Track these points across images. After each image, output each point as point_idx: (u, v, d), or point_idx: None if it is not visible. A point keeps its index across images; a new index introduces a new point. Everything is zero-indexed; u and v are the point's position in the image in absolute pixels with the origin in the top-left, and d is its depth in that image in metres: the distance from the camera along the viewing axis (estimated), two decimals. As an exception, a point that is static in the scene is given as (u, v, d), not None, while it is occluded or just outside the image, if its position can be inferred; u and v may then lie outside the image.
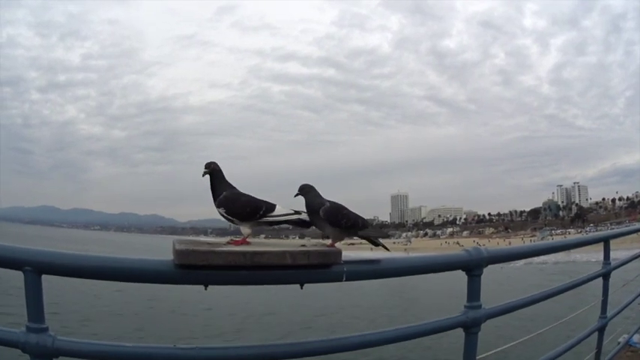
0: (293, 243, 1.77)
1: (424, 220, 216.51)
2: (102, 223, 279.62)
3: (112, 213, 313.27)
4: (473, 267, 2.14)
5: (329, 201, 1.88)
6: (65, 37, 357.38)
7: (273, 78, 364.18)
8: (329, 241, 1.86)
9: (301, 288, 1.72)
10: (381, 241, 2.02)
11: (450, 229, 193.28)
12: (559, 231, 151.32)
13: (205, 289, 1.60)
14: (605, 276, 3.57)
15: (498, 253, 2.38)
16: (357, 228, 1.89)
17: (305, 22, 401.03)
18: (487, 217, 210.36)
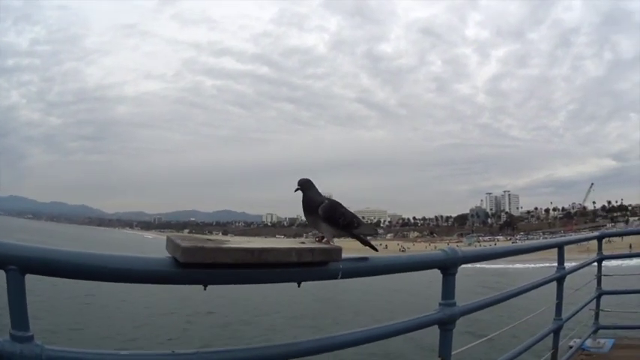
0: (289, 240, 1.79)
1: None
2: (34, 211, 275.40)
3: (44, 202, 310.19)
4: (449, 266, 2.26)
5: (327, 198, 1.90)
6: (18, 21, 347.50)
7: (206, 72, 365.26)
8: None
9: (299, 286, 1.72)
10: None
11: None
12: (487, 237, 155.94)
13: (205, 289, 1.54)
14: (560, 280, 3.80)
15: (472, 254, 2.54)
16: (353, 227, 1.91)
17: (245, 18, 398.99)
18: (412, 220, 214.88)
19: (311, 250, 1.63)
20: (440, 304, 2.28)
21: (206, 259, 1.44)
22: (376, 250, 2.02)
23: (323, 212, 1.84)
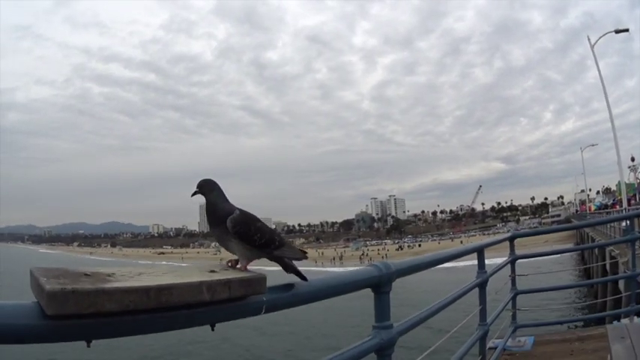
0: (195, 267, 1.33)
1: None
2: None
3: None
4: (384, 282, 1.96)
5: (238, 208, 1.43)
6: None
7: (95, 78, 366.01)
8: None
9: (212, 329, 1.26)
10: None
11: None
12: (374, 242, 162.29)
13: (88, 345, 1.06)
14: (482, 285, 3.72)
15: (404, 266, 2.25)
16: (273, 247, 1.46)
17: (135, 23, 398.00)
18: (297, 227, 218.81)
19: (227, 282, 1.20)
20: (374, 327, 1.94)
21: (82, 309, 0.97)
22: (305, 278, 1.54)
23: (233, 226, 1.39)
